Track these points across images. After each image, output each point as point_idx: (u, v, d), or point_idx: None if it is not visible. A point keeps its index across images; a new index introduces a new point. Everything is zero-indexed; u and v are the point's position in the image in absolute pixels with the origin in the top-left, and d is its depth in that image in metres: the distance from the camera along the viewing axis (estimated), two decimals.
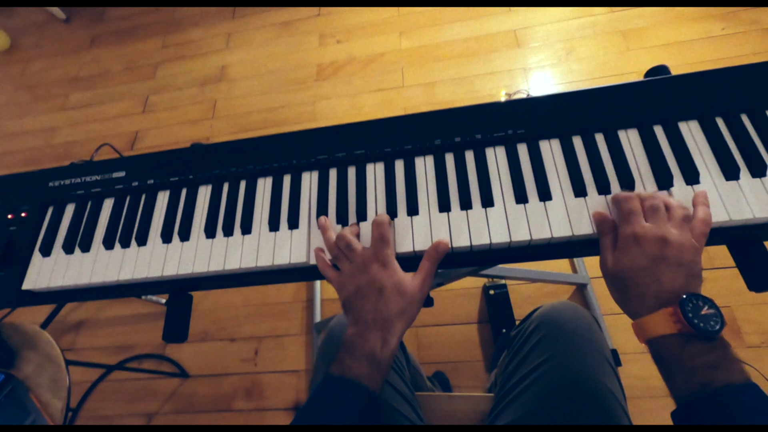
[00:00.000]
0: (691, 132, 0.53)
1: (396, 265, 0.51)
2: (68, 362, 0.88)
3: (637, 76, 1.46)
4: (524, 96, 1.49)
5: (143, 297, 1.39)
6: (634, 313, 0.45)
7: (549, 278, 1.13)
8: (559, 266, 1.22)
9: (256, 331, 1.32)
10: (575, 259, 1.20)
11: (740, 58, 1.40)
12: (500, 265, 1.03)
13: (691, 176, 0.50)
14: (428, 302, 0.93)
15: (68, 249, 0.64)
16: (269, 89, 1.76)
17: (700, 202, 0.47)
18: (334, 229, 0.56)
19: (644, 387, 1.05)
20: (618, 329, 1.11)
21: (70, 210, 0.68)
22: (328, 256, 0.55)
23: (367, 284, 0.50)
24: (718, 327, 0.40)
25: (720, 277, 1.12)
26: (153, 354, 1.34)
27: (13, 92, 2.09)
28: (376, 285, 0.49)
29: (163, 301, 1.38)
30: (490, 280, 1.20)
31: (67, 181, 0.69)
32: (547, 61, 1.56)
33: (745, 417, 0.36)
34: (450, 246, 0.52)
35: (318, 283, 1.33)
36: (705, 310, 0.40)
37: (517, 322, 1.14)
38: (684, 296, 0.41)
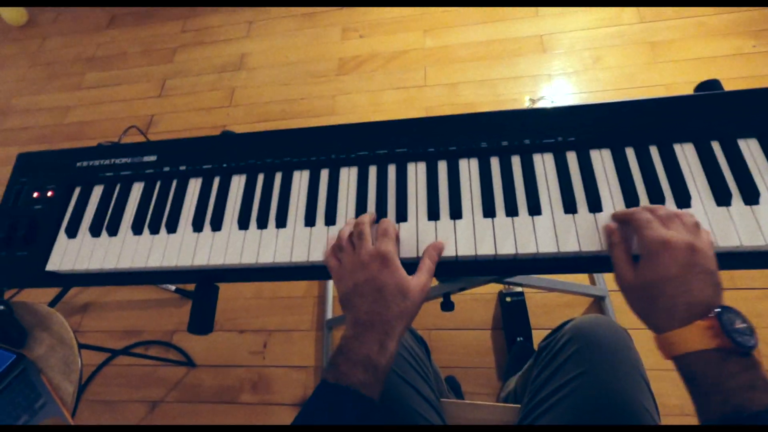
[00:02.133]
0: (750, 150, 0.52)
1: (398, 263, 0.48)
2: (80, 345, 0.87)
3: (664, 89, 1.44)
4: (548, 102, 1.48)
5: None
6: (661, 326, 0.42)
7: (567, 288, 1.12)
8: (577, 277, 1.20)
9: (266, 324, 1.30)
10: None
11: None
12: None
13: (751, 196, 0.48)
14: (449, 306, 0.92)
15: (95, 232, 0.63)
16: (289, 80, 1.74)
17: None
18: None
19: (660, 405, 1.03)
20: (635, 345, 1.10)
21: (97, 192, 0.66)
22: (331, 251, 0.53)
23: (366, 282, 0.47)
24: (753, 342, 0.38)
25: (743, 298, 1.10)
26: (160, 341, 1.32)
27: (28, 68, 2.07)
28: (376, 284, 0.47)
29: (173, 288, 1.36)
30: (507, 286, 1.19)
31: (96, 162, 0.68)
32: (573, 68, 1.54)
33: None
34: (495, 252, 0.51)
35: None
36: (738, 324, 0.38)
37: (534, 332, 1.14)
38: (719, 308, 0.39)
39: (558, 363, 0.61)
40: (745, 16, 1.50)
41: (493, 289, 1.22)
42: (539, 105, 1.48)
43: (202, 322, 0.60)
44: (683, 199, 0.50)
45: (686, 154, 0.53)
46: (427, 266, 0.50)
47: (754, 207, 0.48)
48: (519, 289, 1.18)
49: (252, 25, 1.93)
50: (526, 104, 1.48)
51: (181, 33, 2.00)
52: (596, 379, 0.57)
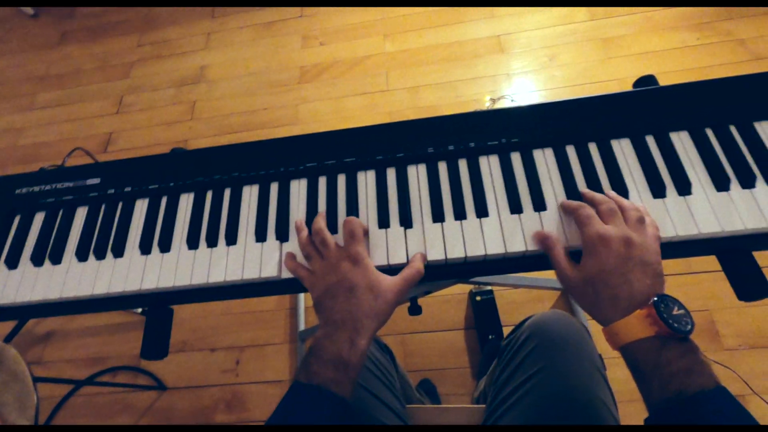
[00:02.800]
0: (682, 142, 0.54)
1: (368, 262, 0.49)
2: (35, 379, 0.83)
3: (617, 84, 1.49)
4: (508, 101, 1.51)
5: None
6: (606, 319, 0.43)
7: (535, 284, 1.14)
8: (545, 272, 1.22)
9: (238, 340, 1.27)
10: None
11: (714, 67, 1.44)
12: None
13: (684, 187, 0.50)
14: (416, 311, 0.92)
15: (37, 261, 0.60)
16: (250, 91, 1.72)
17: (643, 211, 0.48)
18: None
19: (627, 391, 1.05)
20: (599, 335, 1.12)
21: (39, 219, 0.64)
22: (301, 260, 0.53)
23: (337, 283, 0.48)
24: (689, 327, 0.40)
25: (698, 281, 1.14)
26: (128, 366, 1.28)
27: None
28: (347, 284, 0.47)
29: (139, 310, 1.32)
30: (477, 286, 1.20)
31: (36, 188, 0.65)
32: (530, 67, 1.58)
33: (714, 421, 0.36)
34: (445, 257, 0.51)
35: None
36: (676, 311, 0.40)
37: (504, 329, 1.15)
38: (656, 298, 0.41)
39: (518, 361, 0.62)
40: (689, 10, 1.57)
41: (464, 289, 1.23)
42: (499, 105, 1.51)
43: (156, 346, 0.58)
44: (621, 193, 0.51)
45: (623, 150, 0.54)
46: (408, 274, 0.50)
47: (687, 197, 0.50)
48: (489, 287, 1.19)
49: (210, 37, 1.90)
50: (486, 104, 1.51)
51: (138, 47, 1.95)
52: (554, 375, 0.57)
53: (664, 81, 0.61)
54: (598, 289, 0.44)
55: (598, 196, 0.49)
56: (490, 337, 1.12)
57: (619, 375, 1.07)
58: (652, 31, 1.55)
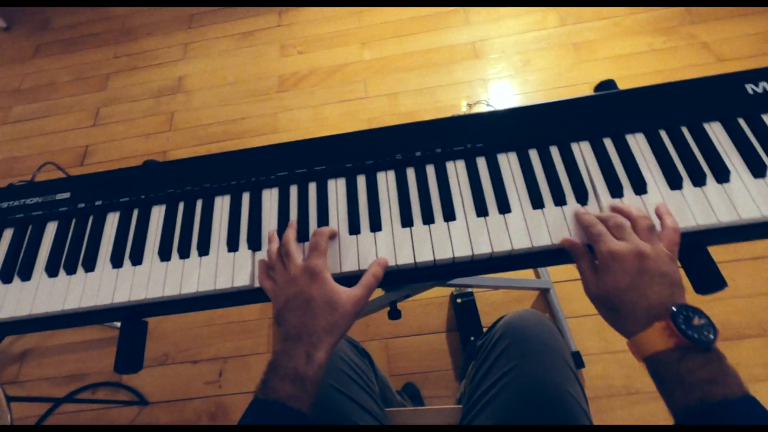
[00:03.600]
0: (638, 144, 0.56)
1: (327, 276, 0.49)
2: (10, 398, 0.81)
3: (588, 87, 1.53)
4: (484, 106, 1.54)
5: None
6: (628, 331, 0.44)
7: (513, 285, 1.16)
8: (523, 272, 1.24)
9: (221, 351, 1.26)
10: None
11: (680, 69, 1.50)
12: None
13: (640, 186, 0.52)
14: (395, 315, 0.93)
15: (5, 278, 0.59)
16: (229, 101, 1.72)
17: (664, 212, 0.49)
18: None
19: (606, 386, 1.09)
20: (581, 331, 1.15)
21: (8, 235, 0.63)
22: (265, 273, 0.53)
23: (295, 296, 0.48)
24: (711, 337, 0.39)
25: None
26: (107, 382, 1.25)
27: None
28: (304, 296, 0.48)
29: (119, 324, 1.30)
30: (457, 288, 1.22)
31: (5, 204, 0.64)
32: (505, 72, 1.61)
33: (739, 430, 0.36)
34: (414, 261, 0.52)
35: None
36: (696, 321, 0.40)
37: (485, 330, 1.17)
38: (674, 308, 0.40)
39: (491, 360, 0.63)
40: (656, 15, 1.63)
41: (444, 292, 1.24)
42: (476, 109, 1.54)
43: (129, 360, 0.58)
44: (582, 194, 0.53)
45: (583, 152, 0.56)
46: (367, 280, 0.50)
47: (643, 196, 0.52)
48: (469, 290, 1.21)
49: (188, 47, 1.90)
50: (463, 109, 1.54)
51: (114, 58, 1.93)
52: (526, 372, 0.59)
53: (632, 83, 0.63)
54: (616, 305, 0.44)
55: (603, 214, 0.49)
56: (471, 338, 1.14)
57: (597, 371, 1.10)
58: (621, 36, 1.60)
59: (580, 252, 0.49)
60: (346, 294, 0.49)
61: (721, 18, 1.57)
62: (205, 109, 1.72)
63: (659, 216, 0.49)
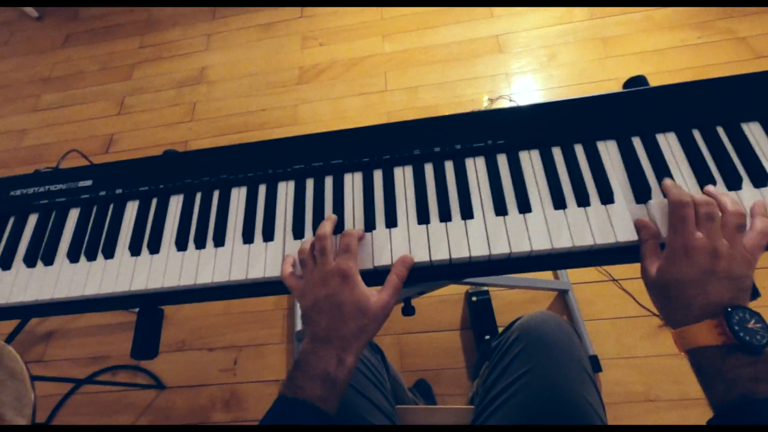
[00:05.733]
0: (669, 144, 0.53)
1: (358, 279, 0.48)
2: (34, 377, 0.84)
3: (615, 84, 1.48)
4: (506, 101, 1.50)
5: None
6: (676, 322, 0.43)
7: (531, 285, 1.14)
8: (541, 273, 1.22)
9: (236, 340, 1.28)
10: None
11: (715, 66, 1.43)
12: None
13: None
14: (409, 311, 0.92)
15: (30, 262, 0.61)
16: (250, 92, 1.73)
17: (759, 212, 0.45)
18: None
19: (623, 392, 1.06)
20: (599, 335, 1.12)
21: (32, 221, 0.65)
22: (290, 269, 0.53)
23: (325, 298, 0.47)
24: (765, 341, 0.38)
25: None
26: (127, 365, 1.29)
27: None
28: (335, 300, 0.47)
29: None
30: (473, 286, 1.20)
31: (30, 190, 0.66)
32: (529, 66, 1.57)
33: None
34: (430, 259, 0.51)
35: None
36: (752, 324, 0.39)
37: (500, 329, 1.15)
38: (730, 309, 0.40)
39: (506, 362, 0.62)
40: (689, 10, 1.56)
41: (459, 290, 1.23)
42: (498, 105, 1.51)
43: (146, 346, 0.59)
44: (607, 196, 0.51)
45: (609, 151, 0.54)
46: (392, 282, 0.49)
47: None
48: (485, 288, 1.19)
49: (210, 38, 1.91)
50: (485, 104, 1.51)
51: (139, 49, 1.97)
52: (542, 376, 0.57)
53: (663, 80, 0.59)
54: (672, 295, 0.43)
55: (698, 197, 0.45)
56: (486, 337, 1.12)
57: (615, 376, 1.07)
58: (652, 31, 1.54)
59: (650, 233, 0.47)
60: (375, 298, 0.48)
61: (759, 13, 1.50)
62: (226, 100, 1.73)
63: (751, 215, 0.45)
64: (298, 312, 1.27)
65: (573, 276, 1.19)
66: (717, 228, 0.43)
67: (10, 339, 1.29)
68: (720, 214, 0.44)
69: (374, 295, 0.48)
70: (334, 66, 1.72)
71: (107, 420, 1.23)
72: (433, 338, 1.20)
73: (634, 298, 1.14)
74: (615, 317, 1.13)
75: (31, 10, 2.15)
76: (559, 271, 1.20)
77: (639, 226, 0.48)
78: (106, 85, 1.89)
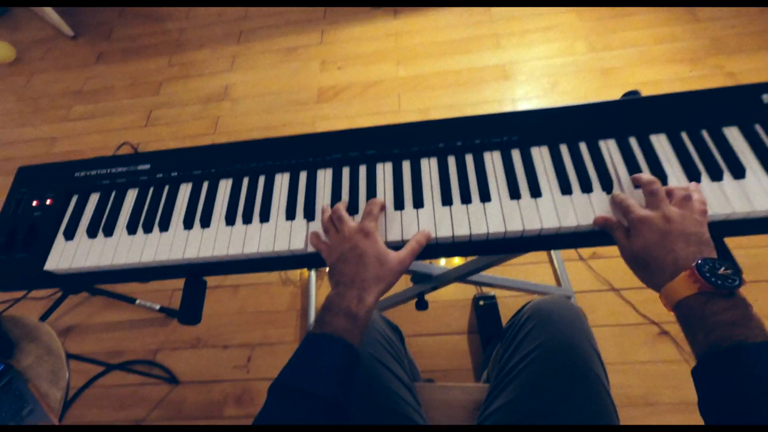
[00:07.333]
0: (661, 143, 0.62)
1: (377, 236, 0.57)
2: (69, 356, 0.89)
3: None
4: None
5: (136, 302, 1.39)
6: (658, 284, 0.48)
7: (534, 289, 1.19)
8: (544, 279, 1.28)
9: (250, 338, 1.33)
10: (559, 273, 1.26)
11: None
12: (488, 274, 1.09)
13: (661, 179, 0.58)
14: (423, 305, 0.98)
15: (92, 233, 0.68)
16: (271, 109, 1.84)
17: (693, 189, 0.54)
18: None
19: (624, 396, 1.10)
20: (601, 341, 1.15)
21: (94, 198, 0.72)
22: (322, 237, 0.61)
23: (349, 250, 0.55)
24: (736, 283, 0.42)
25: None
26: (143, 360, 1.33)
27: (15, 102, 2.12)
28: (357, 251, 0.54)
29: (157, 306, 1.39)
30: (480, 290, 1.26)
31: (93, 172, 0.74)
32: (533, 93, 1.69)
33: (758, 372, 0.38)
34: (452, 234, 0.58)
35: (313, 291, 1.36)
36: (723, 270, 0.43)
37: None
38: (699, 261, 0.44)
39: (519, 339, 0.68)
40: (682, 45, 1.69)
41: (467, 294, 1.29)
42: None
43: (192, 312, 0.65)
44: (606, 183, 0.59)
45: (609, 148, 0.63)
46: (411, 246, 0.57)
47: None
48: (492, 293, 1.25)
49: (235, 60, 2.05)
50: None
51: (168, 67, 2.10)
52: (553, 347, 0.64)
53: None
54: (646, 261, 0.49)
55: (644, 177, 0.55)
56: (499, 345, 1.17)
57: (617, 381, 1.11)
58: (648, 64, 1.67)
59: (614, 224, 0.54)
60: (394, 254, 0.56)
61: (749, 50, 1.63)
62: (248, 115, 1.84)
63: (689, 192, 0.53)
64: (312, 313, 1.33)
65: (575, 285, 1.25)
66: (662, 199, 0.52)
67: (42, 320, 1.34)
68: (660, 189, 0.52)
69: (393, 252, 0.56)
70: (351, 87, 1.84)
71: (121, 413, 1.26)
72: (441, 341, 1.25)
73: (634, 307, 1.20)
74: (616, 324, 1.19)
75: (67, 30, 2.30)
76: (561, 279, 1.26)
77: (602, 223, 0.55)
78: (135, 99, 2.01)
